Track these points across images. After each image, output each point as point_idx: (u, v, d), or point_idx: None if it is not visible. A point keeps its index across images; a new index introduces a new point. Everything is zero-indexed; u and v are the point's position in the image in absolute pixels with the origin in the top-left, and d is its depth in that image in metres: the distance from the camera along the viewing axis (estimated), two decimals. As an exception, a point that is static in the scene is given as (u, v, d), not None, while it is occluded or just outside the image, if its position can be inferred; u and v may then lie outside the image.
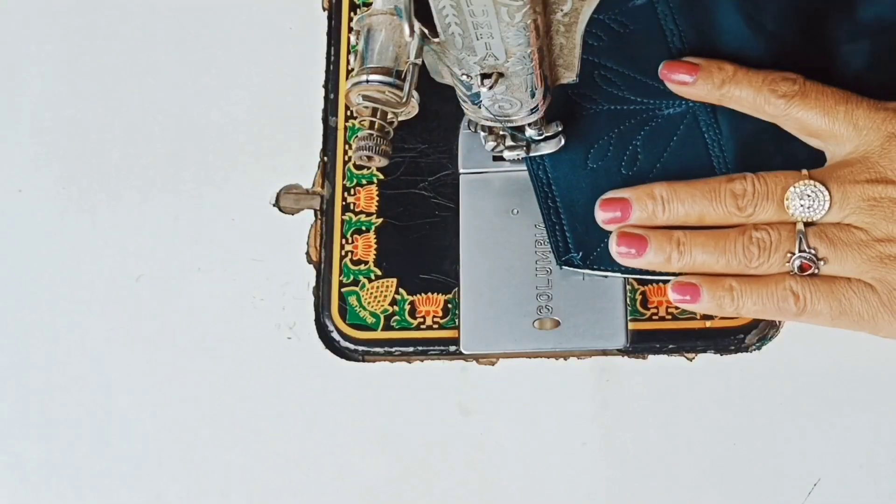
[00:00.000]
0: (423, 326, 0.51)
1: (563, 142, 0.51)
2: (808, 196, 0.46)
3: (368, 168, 0.53)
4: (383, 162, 0.37)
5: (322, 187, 0.54)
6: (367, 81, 0.37)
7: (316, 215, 0.54)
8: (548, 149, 0.51)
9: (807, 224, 0.46)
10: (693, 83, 0.49)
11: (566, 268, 0.51)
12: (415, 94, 0.38)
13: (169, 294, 0.53)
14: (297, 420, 0.51)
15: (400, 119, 0.39)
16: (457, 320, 0.51)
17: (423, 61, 0.38)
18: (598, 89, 0.52)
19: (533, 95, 0.41)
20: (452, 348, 0.51)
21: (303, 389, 0.52)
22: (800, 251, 0.46)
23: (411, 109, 0.38)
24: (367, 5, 0.38)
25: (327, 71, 0.55)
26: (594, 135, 0.52)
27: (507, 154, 0.51)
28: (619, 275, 0.50)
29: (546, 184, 0.52)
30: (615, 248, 0.48)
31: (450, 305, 0.52)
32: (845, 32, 0.51)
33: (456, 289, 0.52)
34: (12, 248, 0.54)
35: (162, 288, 0.53)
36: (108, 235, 0.54)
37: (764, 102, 0.48)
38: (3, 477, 0.51)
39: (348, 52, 0.55)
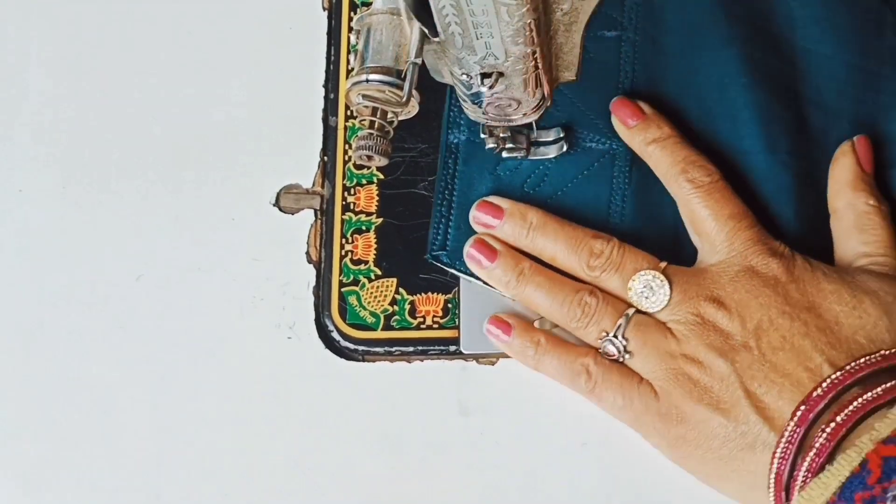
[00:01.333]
0: (423, 326, 0.51)
1: (564, 147, 0.51)
2: (651, 288, 0.47)
3: (368, 168, 0.53)
4: (383, 162, 0.37)
5: (322, 187, 0.54)
6: (367, 81, 0.37)
7: (316, 215, 0.54)
8: (550, 153, 0.51)
9: (640, 311, 0.47)
10: (631, 128, 0.50)
11: (432, 262, 0.51)
12: (415, 93, 0.38)
13: (169, 294, 0.53)
14: (297, 420, 0.51)
15: (400, 119, 0.39)
16: (457, 320, 0.51)
17: (422, 61, 0.38)
18: None
19: (533, 95, 0.41)
20: (452, 348, 0.51)
21: (303, 389, 0.52)
22: (613, 335, 0.47)
23: (411, 109, 0.38)
24: (367, 5, 0.38)
25: (327, 71, 0.55)
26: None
27: (506, 155, 0.51)
28: (480, 282, 0.51)
29: (451, 174, 0.52)
30: (468, 250, 0.50)
31: (450, 305, 0.52)
32: (787, 143, 0.50)
33: (456, 289, 0.52)
34: (12, 248, 0.54)
35: (162, 288, 0.53)
36: (108, 235, 0.54)
37: (673, 178, 0.49)
38: (3, 477, 0.51)
39: (348, 52, 0.55)
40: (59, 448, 0.52)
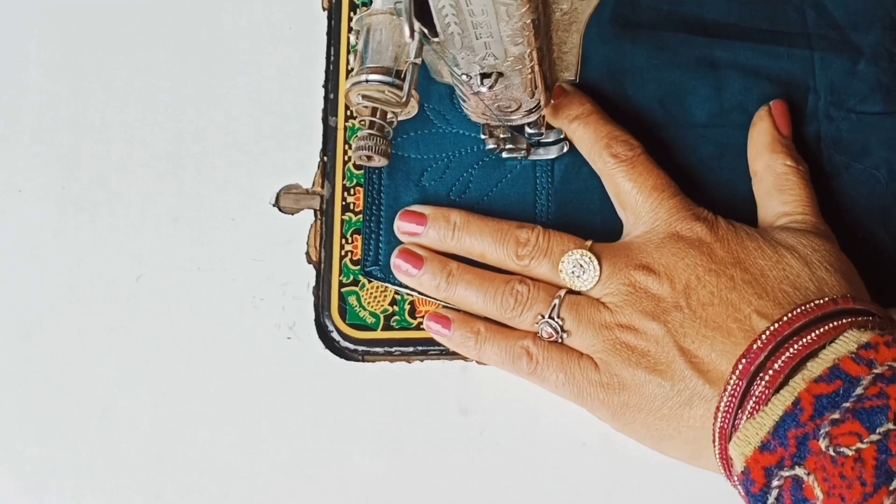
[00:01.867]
0: (423, 326, 0.51)
1: (565, 149, 0.51)
2: (581, 266, 0.47)
3: (368, 168, 0.53)
4: (383, 162, 0.37)
5: (322, 187, 0.54)
6: (367, 81, 0.37)
7: (316, 215, 0.54)
8: (550, 154, 0.51)
9: (571, 292, 0.48)
10: (553, 107, 0.50)
11: (367, 277, 0.52)
12: (414, 93, 0.38)
13: (169, 294, 0.53)
14: (296, 420, 0.51)
15: (400, 119, 0.39)
16: (456, 320, 0.51)
17: (422, 61, 0.38)
18: (454, 111, 0.53)
19: (532, 95, 0.41)
20: (452, 348, 0.51)
21: (303, 389, 0.52)
22: (549, 317, 0.47)
23: (411, 109, 0.38)
24: (367, 5, 0.38)
25: (327, 71, 0.55)
26: (435, 154, 0.53)
27: (506, 155, 0.51)
28: (414, 292, 0.51)
29: (377, 189, 0.52)
30: (394, 261, 0.50)
31: (449, 305, 0.52)
32: (706, 114, 0.52)
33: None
34: (12, 248, 0.54)
35: (162, 288, 0.53)
36: (108, 235, 0.54)
37: (596, 154, 0.49)
38: (2, 477, 0.51)
39: (348, 52, 0.55)
40: (59, 448, 0.52)
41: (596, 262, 0.47)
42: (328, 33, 0.56)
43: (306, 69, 0.55)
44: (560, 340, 0.48)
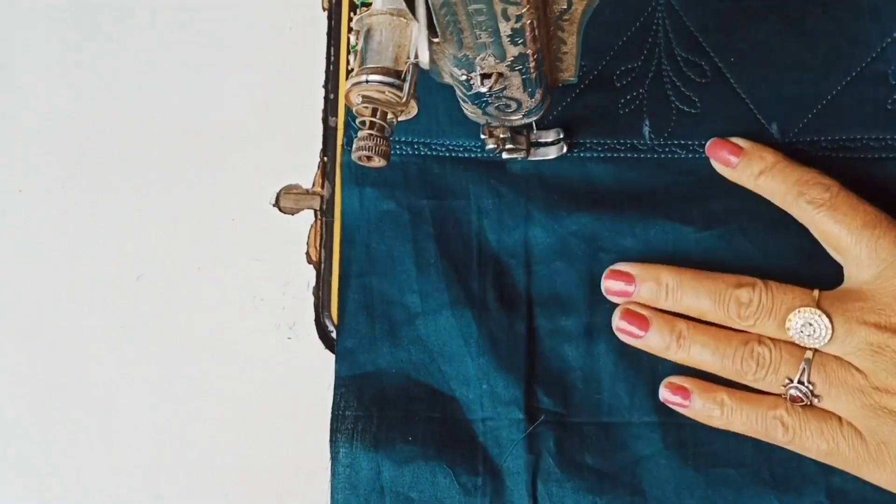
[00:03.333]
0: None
1: (565, 148, 0.51)
2: (811, 325, 0.45)
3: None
4: (382, 163, 0.37)
5: (322, 187, 0.54)
6: (367, 81, 0.36)
7: (316, 215, 0.54)
8: (550, 154, 0.51)
9: (818, 351, 0.45)
10: (735, 166, 0.49)
11: None
12: (415, 94, 0.38)
13: (169, 294, 0.53)
14: (296, 420, 0.51)
15: (400, 119, 0.39)
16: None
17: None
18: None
19: (532, 96, 0.41)
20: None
21: (303, 389, 0.52)
22: (798, 381, 0.45)
23: (411, 109, 0.38)
24: (367, 5, 0.38)
25: (327, 71, 0.55)
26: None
27: (506, 156, 0.51)
28: None
29: None
30: (618, 324, 0.48)
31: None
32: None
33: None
34: (12, 248, 0.54)
35: (162, 288, 0.53)
36: (108, 235, 0.54)
37: (793, 205, 0.47)
38: (3, 477, 0.51)
39: (348, 52, 0.55)
40: (59, 448, 0.52)
41: (826, 319, 0.45)
42: (328, 33, 0.56)
43: (306, 69, 0.55)
44: (809, 404, 0.46)
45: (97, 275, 0.53)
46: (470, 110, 0.44)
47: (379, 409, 0.49)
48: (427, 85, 0.48)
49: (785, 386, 0.46)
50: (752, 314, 0.46)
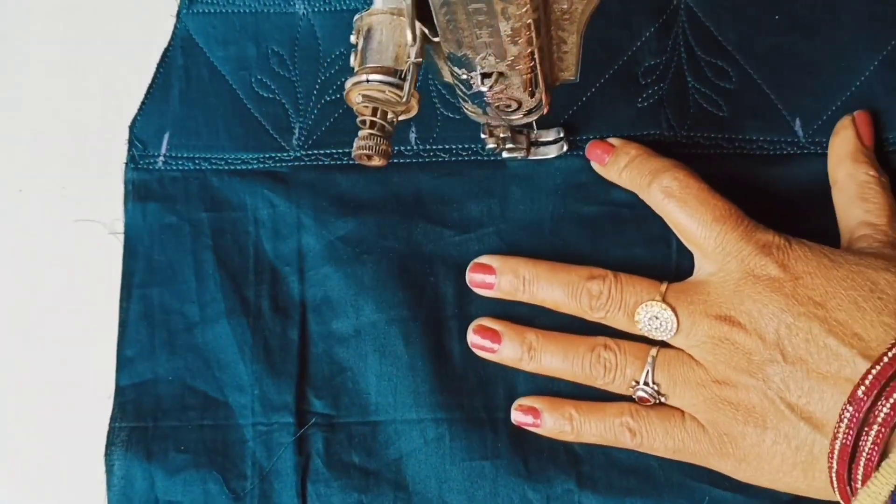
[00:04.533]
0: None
1: (565, 147, 0.51)
2: (657, 318, 0.46)
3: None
4: (382, 162, 0.37)
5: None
6: (368, 81, 0.36)
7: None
8: (550, 153, 0.51)
9: (663, 348, 0.46)
10: (606, 164, 0.49)
11: None
12: (415, 93, 0.38)
13: None
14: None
15: (400, 118, 0.39)
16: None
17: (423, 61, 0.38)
18: None
19: (533, 95, 0.41)
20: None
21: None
22: (644, 383, 0.46)
23: (411, 108, 0.38)
24: (367, 5, 0.38)
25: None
26: None
27: (506, 155, 0.51)
28: None
29: None
30: (472, 339, 0.50)
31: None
32: None
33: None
34: (12, 248, 0.54)
35: None
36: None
37: (646, 191, 0.48)
38: (4, 476, 0.52)
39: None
40: (58, 449, 0.52)
41: (671, 313, 0.45)
42: None
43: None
44: (657, 402, 0.46)
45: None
46: (470, 110, 0.44)
47: (154, 420, 0.50)
48: (208, 104, 0.52)
49: (633, 388, 0.46)
50: (603, 306, 0.47)
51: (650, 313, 0.46)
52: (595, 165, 0.50)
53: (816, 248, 0.44)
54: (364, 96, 0.37)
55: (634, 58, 0.52)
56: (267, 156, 0.53)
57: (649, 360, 0.46)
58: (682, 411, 0.46)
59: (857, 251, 0.45)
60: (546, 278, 0.48)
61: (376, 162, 0.37)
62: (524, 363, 0.49)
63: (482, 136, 0.49)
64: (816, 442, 0.42)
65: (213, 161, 0.53)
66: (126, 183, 0.53)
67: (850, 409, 0.40)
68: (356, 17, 0.38)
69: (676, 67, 0.52)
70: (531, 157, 0.51)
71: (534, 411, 0.48)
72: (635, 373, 0.46)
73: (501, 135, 0.49)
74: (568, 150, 0.51)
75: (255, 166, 0.53)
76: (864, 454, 0.39)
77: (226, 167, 0.53)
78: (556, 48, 0.40)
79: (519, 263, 0.49)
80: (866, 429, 0.39)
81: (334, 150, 0.53)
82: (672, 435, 0.46)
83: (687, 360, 0.46)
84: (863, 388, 0.40)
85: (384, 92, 0.36)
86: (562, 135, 0.51)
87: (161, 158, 0.53)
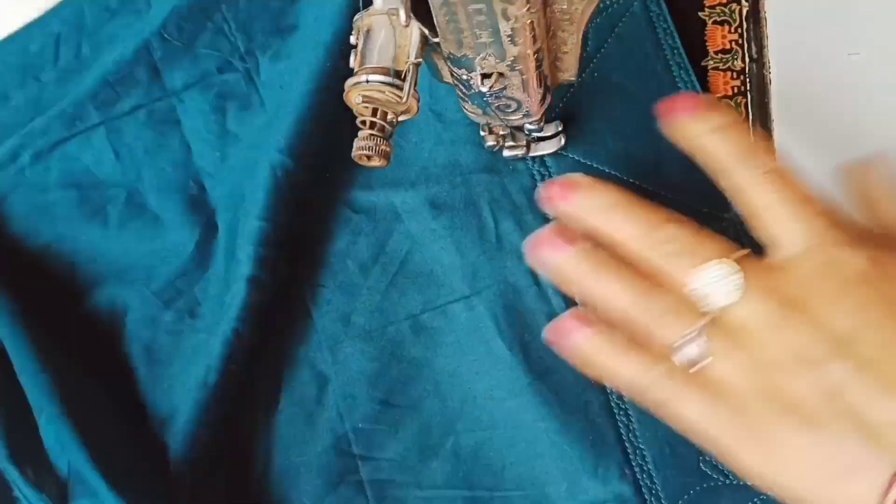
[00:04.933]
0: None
1: (563, 142, 0.51)
2: (724, 277, 0.40)
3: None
4: (383, 162, 0.37)
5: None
6: (367, 81, 0.36)
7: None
8: (548, 148, 0.51)
9: (722, 313, 0.40)
10: (695, 116, 0.43)
11: None
12: (415, 93, 0.38)
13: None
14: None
15: (400, 118, 0.39)
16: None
17: (423, 61, 0.38)
18: None
19: (532, 96, 0.41)
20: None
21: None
22: (696, 334, 0.40)
23: (411, 109, 0.38)
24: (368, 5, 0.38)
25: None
26: None
27: (506, 153, 0.51)
28: None
29: None
30: (540, 236, 0.43)
31: None
32: None
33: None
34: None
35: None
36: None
37: (742, 163, 0.42)
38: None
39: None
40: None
41: (741, 277, 0.40)
42: None
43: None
44: (698, 367, 0.40)
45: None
46: (470, 110, 0.44)
47: None
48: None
49: (684, 337, 0.40)
50: (675, 249, 0.41)
51: (719, 271, 0.40)
52: (674, 116, 0.43)
53: None
54: (364, 97, 0.37)
55: None
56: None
57: (707, 316, 0.40)
58: (723, 387, 0.40)
59: None
60: (630, 207, 0.42)
61: (376, 162, 0.37)
62: (587, 276, 0.42)
63: (482, 133, 0.50)
64: (863, 453, 0.37)
65: None
66: None
67: None
68: (356, 17, 0.38)
69: None
70: (532, 154, 0.51)
71: (586, 320, 0.43)
72: (689, 323, 0.40)
73: (501, 132, 0.49)
74: (566, 144, 0.51)
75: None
76: None
77: None
78: (557, 48, 0.40)
79: (607, 185, 0.43)
80: None
81: None
82: (705, 405, 0.40)
83: (746, 335, 0.40)
84: None
85: (384, 92, 0.36)
86: (560, 129, 0.51)
87: None
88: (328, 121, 0.50)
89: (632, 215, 0.42)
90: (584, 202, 0.43)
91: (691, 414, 0.40)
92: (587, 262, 0.42)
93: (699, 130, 0.43)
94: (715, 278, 0.40)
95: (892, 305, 0.38)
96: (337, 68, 0.50)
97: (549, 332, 0.44)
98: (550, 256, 0.43)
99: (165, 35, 0.53)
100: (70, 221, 0.52)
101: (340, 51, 0.50)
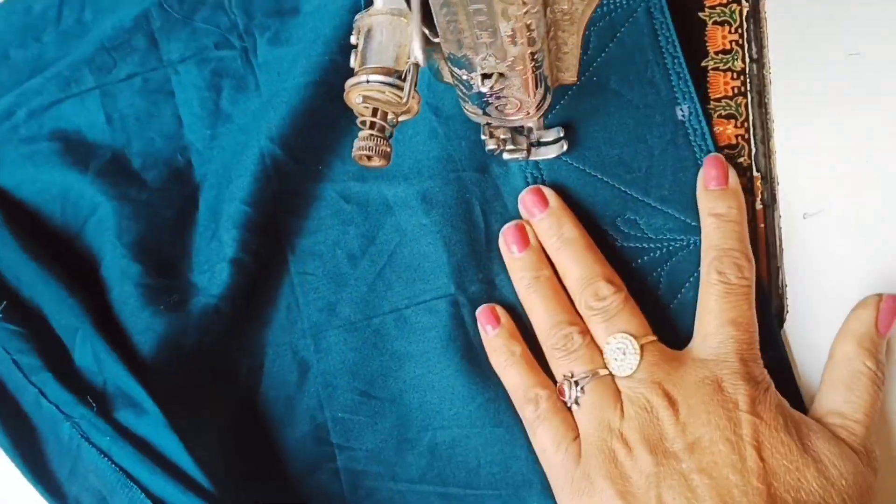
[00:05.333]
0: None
1: (564, 147, 0.51)
2: (624, 354, 0.47)
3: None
4: (383, 162, 0.37)
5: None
6: (368, 81, 0.36)
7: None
8: (549, 154, 0.51)
9: (610, 374, 0.47)
10: (721, 189, 0.49)
11: None
12: (415, 94, 0.38)
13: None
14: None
15: (400, 119, 0.39)
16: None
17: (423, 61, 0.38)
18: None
19: (533, 96, 0.41)
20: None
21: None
22: (575, 381, 0.47)
23: (411, 109, 0.38)
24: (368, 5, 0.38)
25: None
26: None
27: (506, 156, 0.51)
28: None
29: None
30: (505, 228, 0.50)
31: None
32: None
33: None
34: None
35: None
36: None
37: (709, 260, 0.48)
38: (3, 474, 0.51)
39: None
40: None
41: (638, 359, 0.46)
42: None
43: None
44: (569, 406, 0.47)
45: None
46: (470, 110, 0.43)
47: None
48: None
49: (566, 377, 0.47)
50: (597, 310, 0.47)
51: (623, 346, 0.46)
52: (700, 182, 0.49)
53: (788, 408, 0.45)
54: (364, 97, 0.37)
55: None
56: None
57: (596, 371, 0.47)
58: (578, 434, 0.47)
59: (817, 427, 0.45)
60: (580, 249, 0.49)
61: (376, 162, 0.37)
62: (522, 284, 0.49)
63: (482, 137, 0.50)
64: None
65: None
66: None
67: None
68: (356, 16, 0.38)
69: None
70: (532, 158, 0.51)
71: (496, 320, 0.49)
72: (578, 368, 0.47)
73: (502, 136, 0.49)
74: (567, 151, 0.51)
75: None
76: None
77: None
78: (557, 49, 0.40)
79: (570, 219, 0.50)
80: None
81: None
82: (557, 440, 0.46)
83: (616, 401, 0.46)
84: None
85: (384, 92, 0.36)
86: (562, 135, 0.51)
87: None
88: (322, 115, 0.50)
89: (580, 258, 0.48)
90: (545, 225, 0.49)
91: (545, 443, 0.47)
92: (532, 271, 0.49)
93: (711, 204, 0.48)
94: (618, 350, 0.46)
95: (742, 438, 0.43)
96: (335, 62, 0.50)
97: (478, 314, 0.50)
98: (506, 248, 0.50)
99: (166, 6, 0.53)
100: (52, 166, 0.52)
101: (340, 46, 0.50)
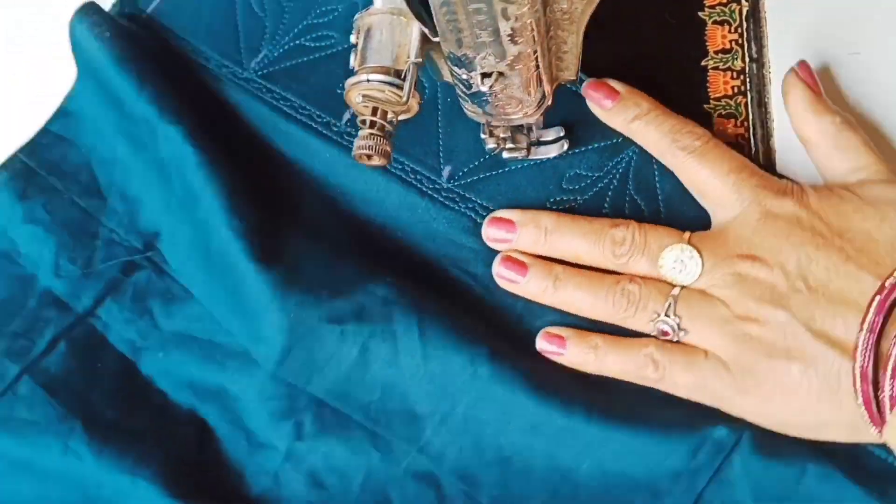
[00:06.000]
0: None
1: (565, 146, 0.51)
2: (682, 262, 0.46)
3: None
4: (383, 162, 0.37)
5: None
6: (368, 81, 0.36)
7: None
8: (550, 153, 0.51)
9: (685, 288, 0.46)
10: (609, 109, 0.49)
11: None
12: (415, 93, 0.38)
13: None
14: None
15: (400, 118, 0.39)
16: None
17: (423, 60, 0.38)
18: None
19: (533, 95, 0.41)
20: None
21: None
22: (665, 314, 0.46)
23: (411, 108, 0.38)
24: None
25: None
26: None
27: (506, 155, 0.51)
28: None
29: None
30: (498, 270, 0.49)
31: None
32: None
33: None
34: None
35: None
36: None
37: (665, 151, 0.48)
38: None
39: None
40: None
41: (696, 254, 0.46)
42: None
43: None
44: (677, 339, 0.47)
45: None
46: (470, 109, 0.44)
47: (47, 172, 0.53)
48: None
49: (653, 321, 0.47)
50: (626, 252, 0.47)
51: (675, 257, 0.46)
52: (592, 106, 0.50)
53: (827, 188, 0.46)
54: (364, 96, 0.37)
55: None
56: (224, 63, 0.53)
57: (672, 294, 0.46)
58: (705, 350, 0.46)
59: (856, 185, 0.46)
60: (568, 227, 0.48)
61: (376, 162, 0.37)
62: (548, 294, 0.48)
63: (482, 136, 0.50)
64: (843, 367, 0.43)
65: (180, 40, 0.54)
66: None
67: (865, 330, 0.41)
68: (356, 16, 0.38)
69: None
70: (532, 157, 0.51)
71: (559, 339, 0.48)
72: (657, 306, 0.46)
73: (502, 135, 0.49)
74: (568, 149, 0.51)
75: (211, 67, 0.53)
76: (889, 372, 0.41)
77: (187, 49, 0.54)
78: (556, 48, 0.40)
79: (539, 214, 0.49)
80: (889, 340, 0.41)
81: (279, 91, 0.52)
82: (694, 369, 0.46)
83: (709, 299, 0.46)
84: (873, 306, 0.41)
85: (384, 92, 0.37)
86: (562, 134, 0.51)
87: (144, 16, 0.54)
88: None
89: (573, 234, 0.48)
90: (526, 238, 0.49)
91: (684, 381, 0.46)
92: (544, 280, 0.48)
93: (621, 120, 0.49)
94: (675, 263, 0.46)
95: (824, 235, 0.44)
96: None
97: (540, 348, 0.49)
98: (512, 288, 0.49)
99: (61, 274, 0.51)
100: None
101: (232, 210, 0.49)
